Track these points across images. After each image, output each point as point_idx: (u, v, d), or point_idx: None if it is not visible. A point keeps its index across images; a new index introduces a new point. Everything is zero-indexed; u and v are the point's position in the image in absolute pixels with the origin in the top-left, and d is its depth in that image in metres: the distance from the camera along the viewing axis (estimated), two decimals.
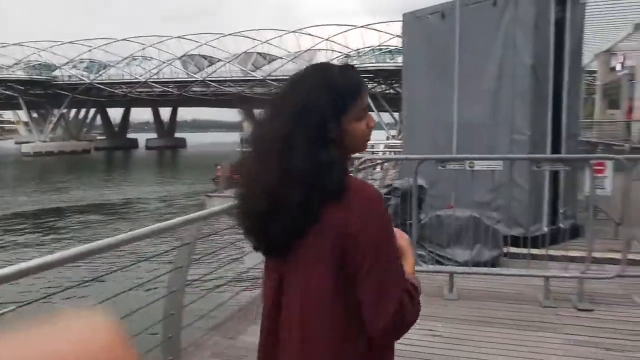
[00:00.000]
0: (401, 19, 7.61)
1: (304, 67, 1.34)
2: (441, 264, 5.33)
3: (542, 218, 6.33)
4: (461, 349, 3.61)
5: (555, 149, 6.31)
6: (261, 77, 66.51)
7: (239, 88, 68.60)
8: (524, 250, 5.06)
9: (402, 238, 1.31)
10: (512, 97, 6.15)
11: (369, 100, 1.39)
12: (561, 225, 6.34)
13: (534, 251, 5.14)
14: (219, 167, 24.30)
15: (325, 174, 1.18)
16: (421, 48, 7.06)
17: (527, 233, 5.65)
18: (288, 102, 1.26)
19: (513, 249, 5.68)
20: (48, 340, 0.34)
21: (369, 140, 1.33)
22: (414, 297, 1.23)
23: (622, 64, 21.54)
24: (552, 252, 5.31)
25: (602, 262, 5.06)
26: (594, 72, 26.90)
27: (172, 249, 3.67)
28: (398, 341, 1.26)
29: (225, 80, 68.74)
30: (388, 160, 8.38)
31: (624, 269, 4.46)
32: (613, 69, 23.08)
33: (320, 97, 1.22)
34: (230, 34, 70.34)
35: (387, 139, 39.95)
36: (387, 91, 58.33)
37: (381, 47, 59.06)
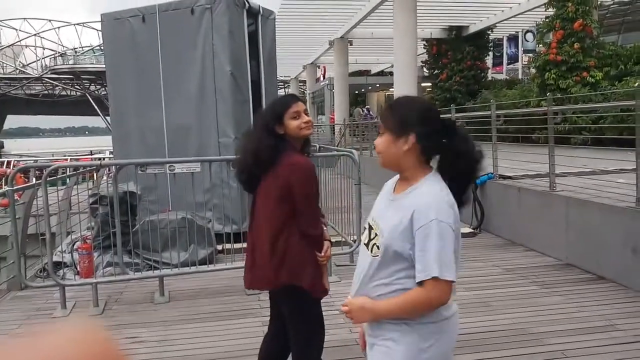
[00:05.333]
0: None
1: None
2: (157, 269, 5.29)
3: None
4: (167, 349, 3.65)
5: None
6: None
7: None
8: (236, 246, 5.41)
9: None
10: (215, 101, 6.48)
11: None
12: None
13: (243, 245, 5.52)
14: None
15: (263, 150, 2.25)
16: (124, 50, 6.84)
17: (240, 229, 6.07)
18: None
19: (229, 245, 6.01)
20: (39, 351, 0.32)
21: (305, 131, 2.31)
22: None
23: (324, 75, 24.96)
24: None
25: None
26: (304, 81, 30.45)
27: None
28: None
29: None
30: (80, 166, 7.87)
31: None
32: (318, 79, 26.55)
33: (266, 111, 2.53)
34: None
35: None
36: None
37: (102, 47, 55.04)
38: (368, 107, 24.29)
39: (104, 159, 14.59)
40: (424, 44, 20.56)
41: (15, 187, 4.63)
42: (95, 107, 51.58)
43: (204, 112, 6.59)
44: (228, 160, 5.29)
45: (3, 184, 9.77)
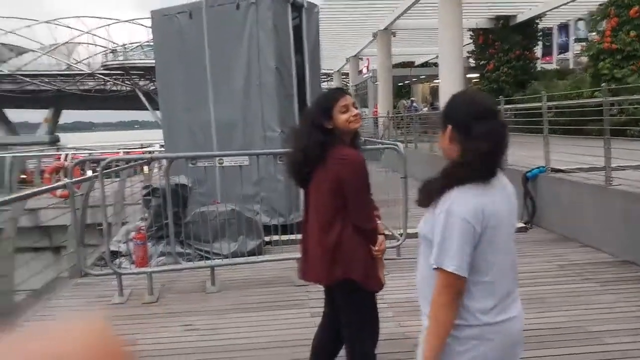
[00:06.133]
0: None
1: None
2: (207, 259, 5.44)
3: (299, 206, 6.91)
4: (217, 338, 3.76)
5: None
6: (8, 72, 57.54)
7: None
8: (284, 237, 5.50)
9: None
10: (260, 95, 6.56)
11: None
12: None
13: (291, 237, 5.60)
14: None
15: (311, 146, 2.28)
16: (173, 46, 7.02)
17: (286, 221, 6.16)
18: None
19: (276, 237, 6.11)
20: (46, 345, 0.33)
21: (354, 124, 2.32)
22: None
23: (367, 67, 24.79)
24: None
25: None
26: (347, 74, 30.34)
27: None
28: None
29: None
30: (133, 159, 8.13)
31: None
32: (361, 71, 26.40)
33: (313, 106, 2.52)
34: None
35: None
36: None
37: (150, 43, 56.58)
38: (413, 98, 23.97)
39: (153, 152, 15.06)
40: (470, 34, 20.08)
41: (74, 180, 4.85)
42: (144, 101, 53.15)
43: (250, 107, 6.69)
44: (275, 153, 5.37)
45: (62, 176, 10.23)
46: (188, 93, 7.00)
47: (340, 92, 2.43)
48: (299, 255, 5.02)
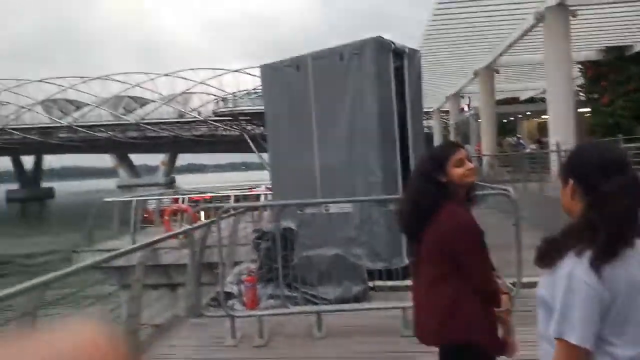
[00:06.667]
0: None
1: None
2: (313, 303, 5.56)
3: (402, 251, 6.86)
4: None
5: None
6: (134, 121, 64.00)
7: (111, 132, 65.30)
8: (388, 283, 5.48)
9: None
10: (363, 141, 6.71)
11: None
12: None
13: (395, 283, 5.57)
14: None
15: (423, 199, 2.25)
16: (280, 97, 7.45)
17: (389, 266, 6.14)
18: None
19: (379, 283, 6.09)
20: (45, 346, 0.34)
21: (469, 179, 2.29)
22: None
23: (468, 105, 24.31)
24: (409, 282, 5.76)
25: None
26: (447, 111, 29.91)
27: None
28: None
29: (95, 125, 65.09)
30: (250, 206, 8.55)
31: None
32: (462, 109, 25.93)
33: (426, 158, 2.43)
34: (98, 78, 67.13)
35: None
36: (266, 133, 59.07)
37: (256, 90, 60.24)
38: (519, 136, 23.00)
39: (257, 187, 15.88)
40: (579, 68, 19.04)
41: (194, 226, 5.25)
42: (251, 144, 56.22)
43: (353, 153, 6.85)
44: (378, 200, 5.43)
45: (180, 219, 11.08)
46: (294, 140, 7.34)
47: (455, 145, 2.43)
48: (405, 304, 4.99)
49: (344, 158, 6.89)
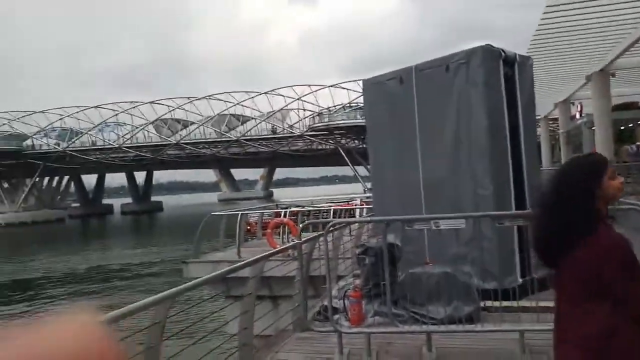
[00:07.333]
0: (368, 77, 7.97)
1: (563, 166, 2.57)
2: (419, 322, 5.35)
3: (515, 270, 6.44)
4: None
5: (519, 200, 6.52)
6: (235, 138, 67.24)
7: (214, 149, 69.12)
8: (504, 304, 5.13)
9: None
10: (471, 153, 6.41)
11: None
12: (534, 276, 6.45)
13: (508, 304, 5.21)
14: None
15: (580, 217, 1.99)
16: (382, 111, 7.36)
17: (500, 286, 5.76)
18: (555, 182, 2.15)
19: (489, 303, 5.74)
20: (39, 342, 0.34)
21: (621, 192, 2.13)
22: None
23: (580, 111, 22.61)
24: (525, 304, 5.37)
25: None
26: (556, 119, 28.08)
27: (141, 330, 3.63)
28: None
29: (200, 142, 69.33)
30: (356, 222, 8.50)
31: None
32: (573, 116, 24.18)
33: (581, 169, 2.10)
34: (203, 98, 71.54)
35: (364, 191, 40.43)
36: (360, 146, 59.60)
37: (351, 105, 60.81)
38: (638, 144, 20.97)
39: (353, 200, 15.87)
40: None
41: (303, 240, 5.30)
42: (346, 158, 56.77)
43: (460, 165, 6.58)
44: (492, 215, 5.13)
45: (282, 232, 11.34)
46: (397, 153, 7.21)
47: (604, 157, 2.21)
48: (523, 326, 4.65)
49: (449, 171, 6.64)
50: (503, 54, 6.58)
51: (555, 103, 25.23)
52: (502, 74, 6.53)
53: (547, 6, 12.98)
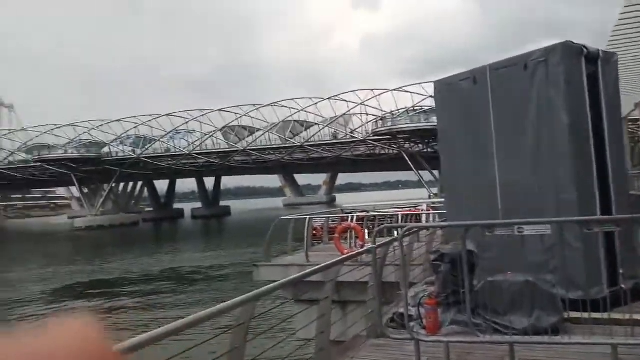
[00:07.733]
0: (432, 80, 7.84)
1: None
2: (499, 332, 5.15)
3: (602, 280, 6.07)
4: None
5: (605, 205, 6.14)
6: (300, 144, 68.10)
7: (279, 155, 70.31)
8: (593, 315, 4.84)
9: None
10: (552, 156, 6.12)
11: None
12: (623, 286, 6.05)
13: (596, 315, 4.91)
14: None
15: None
16: (455, 113, 7.19)
17: (587, 296, 5.44)
18: None
19: (574, 314, 5.44)
20: (34, 346, 0.34)
21: None
22: None
23: None
24: (616, 316, 5.04)
25: None
26: (637, 120, 26.35)
27: (226, 330, 3.72)
28: None
29: (266, 149, 70.76)
30: (434, 227, 8.32)
31: None
32: None
33: None
34: (268, 105, 73.01)
35: (430, 197, 39.75)
36: (424, 150, 58.58)
37: (415, 108, 59.91)
38: None
39: (419, 206, 15.59)
40: None
41: (377, 245, 5.25)
42: (409, 162, 55.94)
43: (540, 168, 6.29)
44: (580, 221, 4.86)
45: (350, 237, 11.32)
46: (471, 155, 7.01)
47: None
48: (616, 340, 4.36)
49: (529, 174, 6.37)
50: (585, 50, 6.25)
51: (636, 103, 23.63)
52: (584, 71, 6.21)
53: None
